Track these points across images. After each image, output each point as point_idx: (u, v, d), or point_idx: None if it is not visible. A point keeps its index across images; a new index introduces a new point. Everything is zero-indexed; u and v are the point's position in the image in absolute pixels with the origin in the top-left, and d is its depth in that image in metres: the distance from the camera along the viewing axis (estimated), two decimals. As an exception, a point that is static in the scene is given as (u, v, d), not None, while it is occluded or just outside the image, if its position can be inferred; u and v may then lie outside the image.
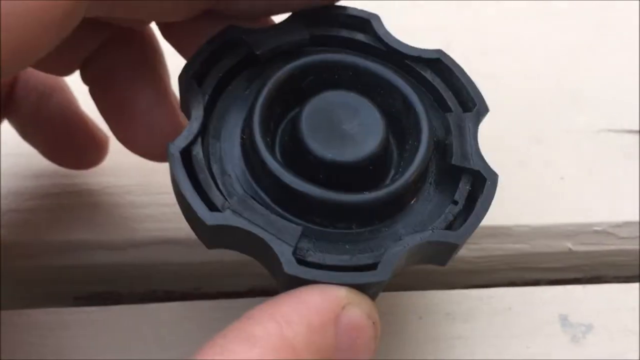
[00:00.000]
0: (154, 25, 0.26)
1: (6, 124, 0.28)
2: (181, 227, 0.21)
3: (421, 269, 0.30)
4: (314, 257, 0.20)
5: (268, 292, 0.30)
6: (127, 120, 0.26)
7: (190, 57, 0.22)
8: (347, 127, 0.21)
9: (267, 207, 0.20)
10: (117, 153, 0.30)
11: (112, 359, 0.26)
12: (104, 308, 0.28)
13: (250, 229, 0.19)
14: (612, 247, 0.31)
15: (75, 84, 0.28)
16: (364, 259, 0.20)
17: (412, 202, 0.22)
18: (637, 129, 0.33)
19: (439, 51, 0.23)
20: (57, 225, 0.29)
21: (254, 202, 0.20)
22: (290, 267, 0.19)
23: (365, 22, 0.23)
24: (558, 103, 0.33)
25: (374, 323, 0.19)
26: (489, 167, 0.22)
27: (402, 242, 0.20)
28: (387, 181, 0.22)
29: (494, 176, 0.21)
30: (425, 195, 0.22)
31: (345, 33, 0.23)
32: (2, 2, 0.17)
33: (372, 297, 0.20)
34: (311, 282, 0.19)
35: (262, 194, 0.21)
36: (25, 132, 0.29)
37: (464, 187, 0.21)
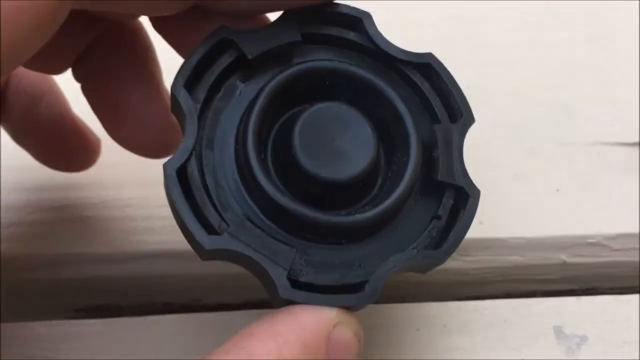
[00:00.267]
0: (146, 21, 0.26)
1: (6, 137, 0.29)
2: (180, 240, 0.21)
3: (418, 282, 0.30)
4: (306, 277, 0.20)
5: (266, 304, 0.30)
6: (119, 117, 0.26)
7: (181, 66, 0.22)
8: (339, 143, 0.21)
9: (261, 224, 0.21)
10: (116, 166, 0.30)
11: (112, 371, 0.27)
12: (104, 320, 0.28)
13: (247, 253, 0.20)
14: (607, 259, 0.31)
15: (67, 86, 0.28)
16: (353, 277, 0.21)
17: (398, 214, 0.22)
18: (632, 142, 0.33)
19: (430, 55, 0.23)
20: (57, 238, 0.30)
21: (250, 223, 0.21)
22: (285, 291, 0.20)
23: (357, 21, 0.23)
24: (553, 116, 0.33)
25: (359, 340, 0.20)
26: (471, 183, 0.22)
27: (388, 262, 0.21)
28: (375, 191, 0.22)
29: (477, 193, 0.22)
30: (410, 206, 0.22)
31: (337, 31, 0.23)
32: None
33: (358, 309, 0.21)
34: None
35: (256, 209, 0.21)
36: (17, 136, 0.28)
37: (447, 202, 0.22)
